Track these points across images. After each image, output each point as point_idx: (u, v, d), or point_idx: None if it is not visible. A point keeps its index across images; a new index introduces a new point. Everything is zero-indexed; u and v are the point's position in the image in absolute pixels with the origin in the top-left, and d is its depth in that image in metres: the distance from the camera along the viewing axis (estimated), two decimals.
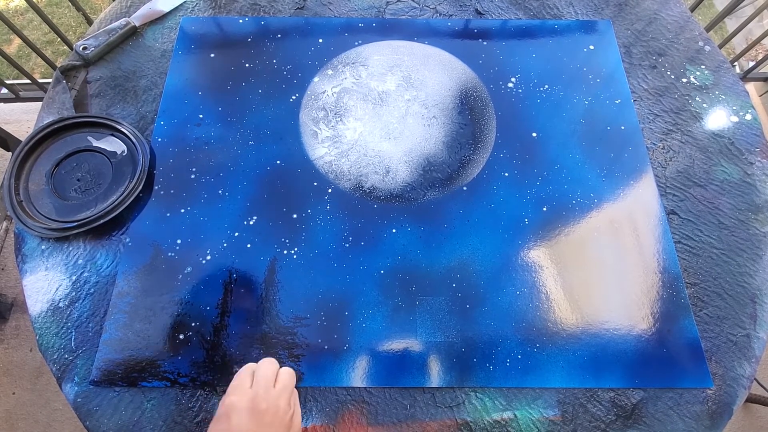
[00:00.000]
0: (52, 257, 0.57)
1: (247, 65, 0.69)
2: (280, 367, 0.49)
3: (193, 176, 0.61)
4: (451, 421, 0.50)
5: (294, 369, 0.50)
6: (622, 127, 0.65)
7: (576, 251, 0.57)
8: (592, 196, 0.61)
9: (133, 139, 0.61)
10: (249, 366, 0.48)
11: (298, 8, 0.75)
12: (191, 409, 0.50)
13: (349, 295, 0.55)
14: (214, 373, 0.51)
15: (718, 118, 0.67)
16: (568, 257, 0.57)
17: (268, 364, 0.47)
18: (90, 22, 1.21)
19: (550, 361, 0.52)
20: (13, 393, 1.10)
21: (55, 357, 0.52)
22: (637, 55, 0.72)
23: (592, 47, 0.72)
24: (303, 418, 0.49)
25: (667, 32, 0.74)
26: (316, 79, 0.69)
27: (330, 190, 0.61)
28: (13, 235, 0.64)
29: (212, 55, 0.70)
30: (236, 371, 0.50)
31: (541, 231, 0.58)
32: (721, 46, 1.15)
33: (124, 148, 0.62)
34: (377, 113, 0.66)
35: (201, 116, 0.65)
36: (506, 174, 0.62)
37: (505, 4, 0.76)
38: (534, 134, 0.65)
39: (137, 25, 0.72)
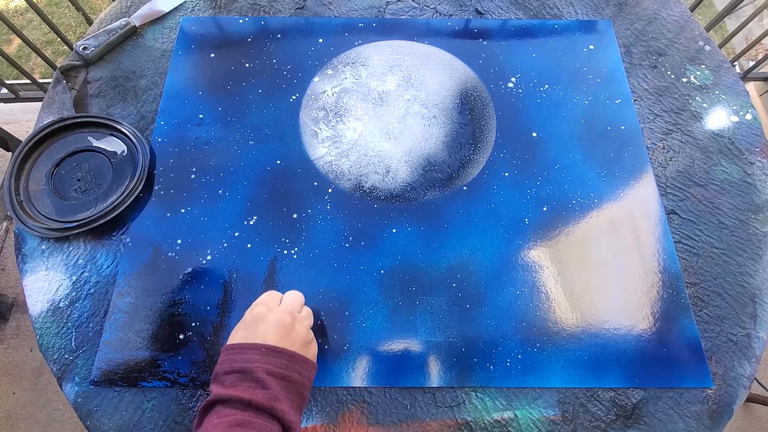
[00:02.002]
0: (53, 257, 0.57)
1: (247, 65, 0.69)
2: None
3: (193, 176, 0.61)
4: (452, 420, 0.50)
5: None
6: (622, 127, 0.65)
7: (576, 251, 0.57)
8: (592, 195, 0.61)
9: (133, 139, 0.61)
10: (276, 292, 0.49)
11: (298, 8, 0.75)
12: (191, 409, 0.50)
13: (349, 294, 0.55)
14: None
15: (718, 118, 0.67)
16: (568, 257, 0.57)
17: (295, 294, 0.48)
18: (90, 22, 1.21)
19: (551, 360, 0.52)
20: (14, 393, 1.10)
21: (55, 357, 0.52)
22: (637, 55, 0.72)
23: (592, 47, 0.72)
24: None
25: (667, 32, 0.74)
26: (316, 79, 0.69)
27: (330, 190, 0.61)
28: (13, 235, 0.64)
29: (212, 55, 0.70)
30: None
31: (541, 231, 0.58)
32: (721, 46, 1.15)
33: (124, 148, 0.62)
34: (377, 113, 0.66)
35: (201, 116, 0.65)
36: (506, 174, 0.62)
37: (505, 3, 0.76)
38: (534, 134, 0.65)
39: (137, 25, 0.72)
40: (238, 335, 0.43)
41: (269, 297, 0.47)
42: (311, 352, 0.45)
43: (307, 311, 0.48)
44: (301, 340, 0.44)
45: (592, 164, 0.63)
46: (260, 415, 0.37)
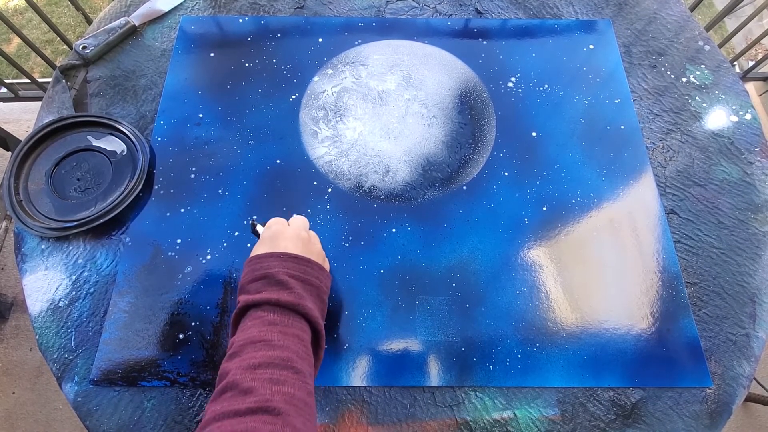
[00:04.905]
0: (52, 257, 0.57)
1: (246, 65, 0.69)
2: None
3: (192, 176, 0.61)
4: (451, 420, 0.50)
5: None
6: (622, 127, 0.65)
7: (576, 251, 0.57)
8: (592, 195, 0.61)
9: (133, 139, 0.61)
10: (280, 218, 0.50)
11: (297, 7, 0.75)
12: (191, 409, 0.50)
13: (348, 294, 0.55)
14: (213, 373, 0.51)
15: (717, 118, 0.67)
16: (568, 257, 0.57)
17: (302, 217, 0.50)
18: (89, 22, 1.20)
19: (550, 360, 0.52)
20: (13, 392, 1.10)
21: (55, 356, 0.52)
22: (637, 55, 0.72)
23: (591, 47, 0.72)
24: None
25: (667, 32, 0.74)
26: (316, 79, 0.69)
27: (330, 190, 0.61)
28: (12, 235, 0.64)
29: (212, 55, 0.70)
30: None
31: (541, 230, 0.59)
32: (720, 46, 1.15)
33: (124, 147, 0.62)
34: (377, 113, 0.66)
35: (201, 116, 0.65)
36: (506, 173, 0.62)
37: (504, 3, 0.76)
38: (534, 134, 0.65)
39: (137, 25, 0.72)
40: (259, 250, 0.46)
41: (279, 219, 0.49)
42: (326, 265, 0.49)
43: (314, 234, 0.50)
44: (317, 253, 0.47)
45: (592, 164, 0.63)
46: (289, 314, 0.40)
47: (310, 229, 0.50)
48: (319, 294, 0.44)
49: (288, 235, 0.46)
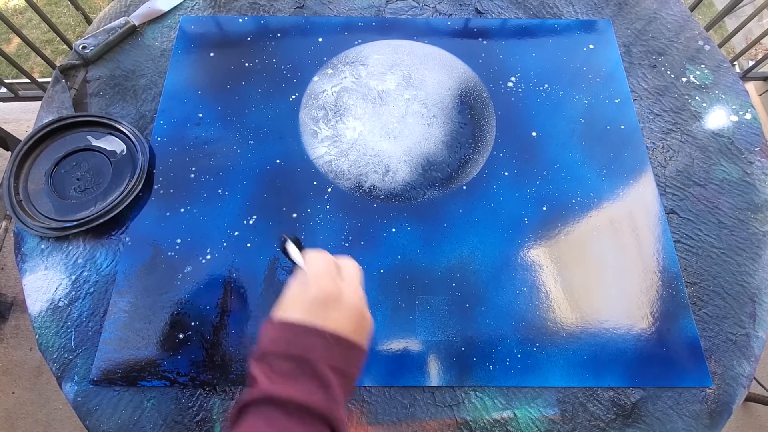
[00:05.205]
0: (52, 256, 0.57)
1: (246, 64, 0.69)
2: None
3: (192, 175, 0.61)
4: (451, 420, 0.50)
5: None
6: (622, 127, 0.65)
7: (576, 250, 0.57)
8: (592, 195, 0.61)
9: (133, 139, 0.61)
10: (327, 254, 0.40)
11: (297, 7, 0.75)
12: (191, 409, 0.50)
13: None
14: (213, 373, 0.51)
15: (717, 118, 0.67)
16: (568, 256, 0.57)
17: (353, 265, 0.40)
18: (89, 21, 1.20)
19: (550, 360, 0.52)
20: (13, 392, 1.10)
21: (54, 356, 0.52)
22: (637, 55, 0.72)
23: (591, 46, 0.72)
24: None
25: (667, 31, 0.74)
26: (315, 78, 0.69)
27: (330, 190, 0.61)
28: (12, 235, 0.64)
29: (212, 55, 0.70)
30: (236, 372, 0.50)
31: (541, 230, 0.59)
32: (720, 46, 1.15)
33: (124, 147, 0.62)
34: (377, 112, 0.66)
35: (200, 115, 0.65)
36: (506, 173, 0.62)
37: (504, 3, 0.76)
38: (534, 133, 0.65)
39: (137, 24, 0.72)
40: (301, 312, 0.35)
41: (328, 267, 0.38)
42: (370, 337, 0.38)
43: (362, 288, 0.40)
44: (367, 328, 0.37)
45: (592, 164, 0.63)
46: (314, 421, 0.31)
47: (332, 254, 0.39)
48: (352, 383, 0.35)
49: (345, 306, 0.35)
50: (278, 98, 0.67)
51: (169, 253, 0.56)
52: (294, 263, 0.40)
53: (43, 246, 0.57)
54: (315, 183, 0.61)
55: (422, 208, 0.60)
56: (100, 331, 0.53)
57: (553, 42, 0.72)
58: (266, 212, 0.59)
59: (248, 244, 0.57)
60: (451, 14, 0.75)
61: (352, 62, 0.70)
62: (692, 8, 1.09)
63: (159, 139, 0.63)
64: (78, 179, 0.60)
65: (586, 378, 0.51)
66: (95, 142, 0.62)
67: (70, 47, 0.88)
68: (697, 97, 0.68)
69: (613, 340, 0.53)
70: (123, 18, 0.72)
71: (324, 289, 0.36)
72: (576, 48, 0.72)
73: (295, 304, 0.36)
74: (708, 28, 1.05)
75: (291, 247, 0.41)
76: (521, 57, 0.71)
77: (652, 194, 0.61)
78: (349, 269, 0.39)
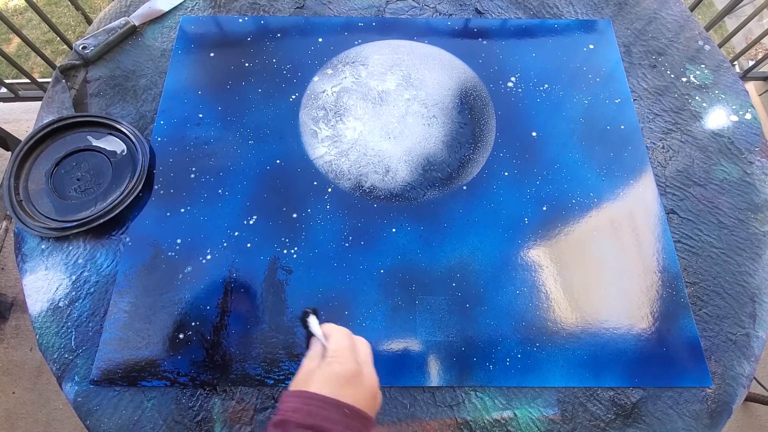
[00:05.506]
0: (52, 257, 0.57)
1: (246, 64, 0.69)
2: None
3: (192, 176, 0.61)
4: (451, 420, 0.50)
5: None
6: (622, 127, 0.65)
7: (576, 250, 0.57)
8: (592, 195, 0.61)
9: (133, 139, 0.61)
10: (347, 331, 0.43)
11: (297, 7, 0.75)
12: (191, 409, 0.50)
13: (349, 294, 0.55)
14: (213, 373, 0.51)
15: (717, 118, 0.67)
16: (568, 256, 0.57)
17: (364, 344, 0.43)
18: (89, 22, 1.20)
19: (550, 360, 0.52)
20: (13, 392, 1.10)
21: (55, 356, 0.52)
22: (637, 55, 0.72)
23: (591, 46, 0.72)
24: None
25: (667, 31, 0.74)
26: (315, 79, 0.69)
27: (330, 190, 0.61)
28: (12, 235, 0.64)
29: (212, 55, 0.70)
30: (236, 372, 0.50)
31: (541, 230, 0.59)
32: (720, 46, 1.15)
33: (124, 147, 0.62)
34: (377, 112, 0.66)
35: (201, 116, 0.65)
36: (506, 173, 0.62)
37: (504, 3, 0.76)
38: (534, 133, 0.65)
39: (137, 25, 0.72)
40: (323, 385, 0.37)
41: (352, 345, 0.41)
42: (377, 413, 0.42)
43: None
44: (378, 406, 0.40)
45: (592, 164, 0.63)
46: None
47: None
48: None
49: (365, 387, 0.38)
50: (278, 98, 0.67)
51: (170, 253, 0.56)
52: (312, 334, 0.43)
53: (43, 246, 0.57)
54: (315, 183, 0.61)
55: (422, 208, 0.60)
56: (100, 331, 0.53)
57: (553, 42, 0.72)
58: (266, 212, 0.59)
59: (248, 244, 0.57)
60: (451, 14, 0.75)
61: (352, 62, 0.70)
62: (692, 8, 1.09)
63: (159, 139, 0.63)
64: (78, 179, 0.60)
65: (586, 378, 0.51)
66: (95, 142, 0.62)
67: (70, 47, 0.89)
68: (697, 97, 0.68)
69: (613, 340, 0.53)
70: (123, 18, 0.72)
71: (347, 366, 0.38)
72: (576, 48, 0.72)
73: (317, 378, 0.37)
74: (708, 28, 1.05)
75: (313, 321, 0.44)
76: (521, 57, 0.71)
77: (652, 194, 0.61)
78: (365, 349, 0.42)
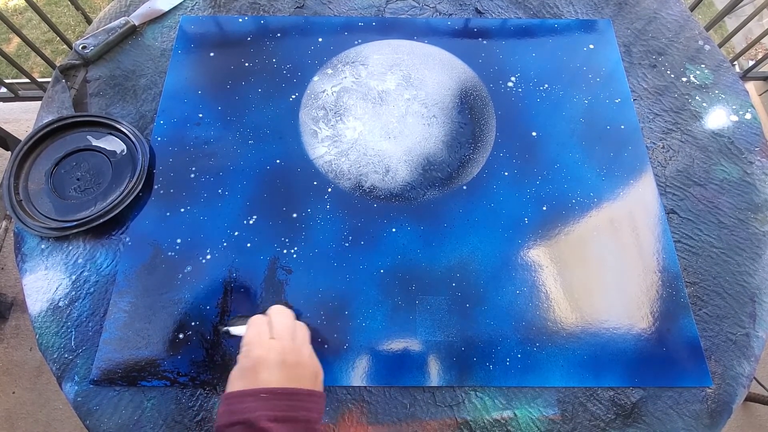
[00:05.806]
0: (52, 256, 0.57)
1: (246, 64, 0.69)
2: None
3: (192, 175, 0.61)
4: (451, 420, 0.50)
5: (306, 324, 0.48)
6: (622, 127, 0.65)
7: (576, 250, 0.57)
8: (592, 195, 0.61)
9: (133, 139, 0.61)
10: (261, 317, 0.45)
11: (297, 7, 0.75)
12: (191, 408, 0.50)
13: (348, 294, 0.55)
14: (213, 373, 0.51)
15: (717, 118, 0.67)
16: (568, 256, 0.57)
17: (284, 315, 0.44)
18: (89, 21, 1.20)
19: (550, 360, 0.52)
20: (13, 392, 1.10)
21: (55, 356, 0.52)
22: (637, 54, 0.72)
23: (591, 46, 0.72)
24: None
25: (667, 31, 0.74)
26: (315, 78, 0.69)
27: (330, 190, 0.61)
28: (12, 235, 0.64)
29: (212, 55, 0.70)
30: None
31: (541, 230, 0.59)
32: (720, 45, 1.15)
33: (124, 147, 0.62)
34: (377, 112, 0.66)
35: (201, 115, 0.65)
36: (506, 173, 0.62)
37: (504, 3, 0.76)
38: (534, 133, 0.65)
39: (137, 24, 0.72)
40: (238, 384, 0.39)
41: (259, 331, 0.43)
42: (319, 379, 0.42)
43: (302, 331, 0.45)
44: (309, 374, 0.41)
45: (592, 164, 0.63)
46: None
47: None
48: (309, 427, 0.38)
49: (272, 364, 0.40)
50: (278, 98, 0.67)
51: (169, 253, 0.56)
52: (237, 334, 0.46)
53: (43, 246, 0.57)
54: (315, 183, 0.61)
55: (422, 208, 0.60)
56: (100, 331, 0.53)
57: (553, 42, 0.72)
58: (266, 212, 0.59)
59: (248, 244, 0.57)
60: (451, 14, 0.75)
61: (352, 62, 0.70)
62: (692, 8, 1.09)
63: (159, 139, 0.63)
64: (78, 179, 0.60)
65: (586, 378, 0.51)
66: (95, 142, 0.62)
67: (70, 47, 0.88)
68: (697, 97, 0.68)
69: (613, 340, 0.53)
70: (123, 18, 0.72)
71: (251, 356, 0.41)
72: (576, 48, 0.72)
73: (234, 380, 0.40)
74: (708, 28, 1.05)
75: (233, 329, 0.50)
76: (521, 57, 0.71)
77: (652, 194, 0.61)
78: (279, 326, 0.44)
